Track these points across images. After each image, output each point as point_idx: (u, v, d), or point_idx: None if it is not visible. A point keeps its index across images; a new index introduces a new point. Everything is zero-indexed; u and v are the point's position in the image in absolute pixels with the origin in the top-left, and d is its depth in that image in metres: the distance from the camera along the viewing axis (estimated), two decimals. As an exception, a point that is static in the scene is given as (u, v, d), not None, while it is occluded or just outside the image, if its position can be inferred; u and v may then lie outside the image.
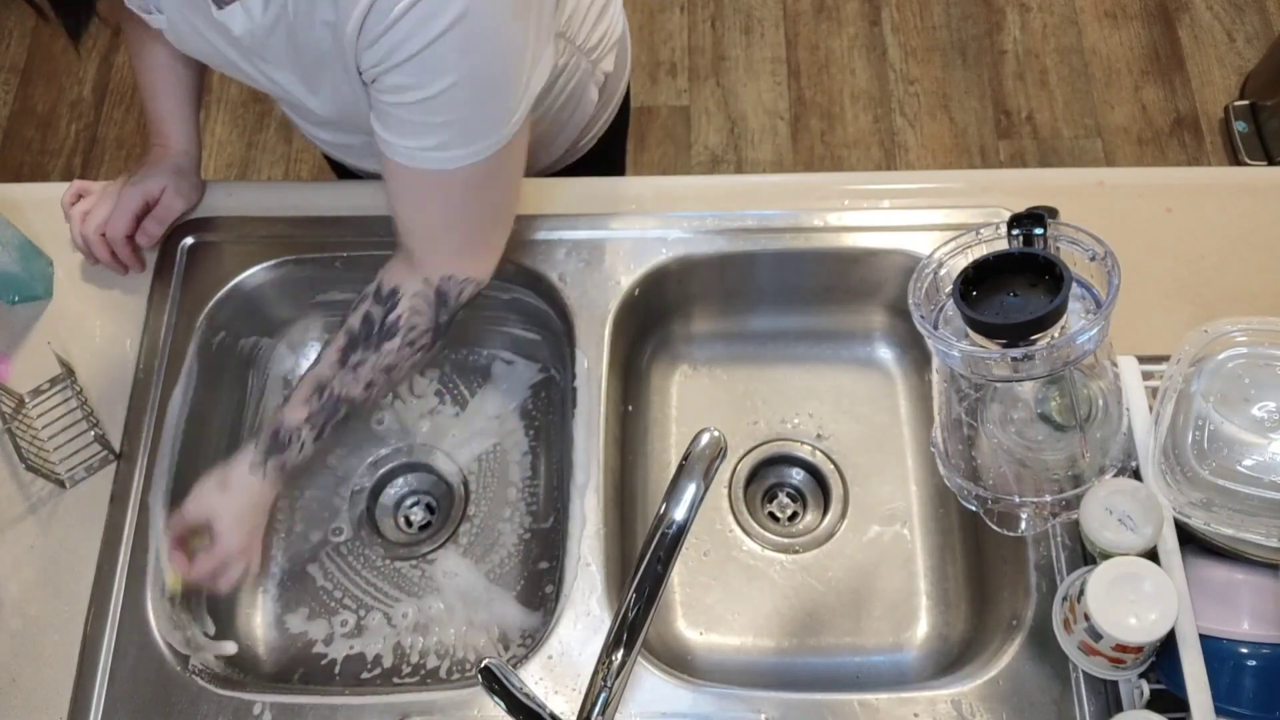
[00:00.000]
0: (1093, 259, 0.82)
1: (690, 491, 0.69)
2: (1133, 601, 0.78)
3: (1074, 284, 0.78)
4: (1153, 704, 0.81)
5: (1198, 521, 0.80)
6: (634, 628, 0.69)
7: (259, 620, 1.06)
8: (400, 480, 1.15)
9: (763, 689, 0.90)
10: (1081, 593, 0.80)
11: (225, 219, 1.11)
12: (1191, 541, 0.83)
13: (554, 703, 0.88)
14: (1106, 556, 0.81)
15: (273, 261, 1.09)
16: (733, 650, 1.06)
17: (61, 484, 0.98)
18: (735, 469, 1.13)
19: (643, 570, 0.68)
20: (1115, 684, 0.86)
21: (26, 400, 1.01)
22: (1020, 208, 0.86)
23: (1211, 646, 0.79)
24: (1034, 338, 0.79)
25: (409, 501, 1.14)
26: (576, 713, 0.72)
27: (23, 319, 1.07)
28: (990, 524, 0.91)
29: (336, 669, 1.04)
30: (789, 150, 2.22)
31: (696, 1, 2.38)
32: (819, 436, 1.15)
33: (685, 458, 0.70)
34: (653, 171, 2.20)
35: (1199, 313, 1.02)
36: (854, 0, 2.38)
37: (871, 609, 1.06)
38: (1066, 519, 0.89)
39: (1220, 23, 2.32)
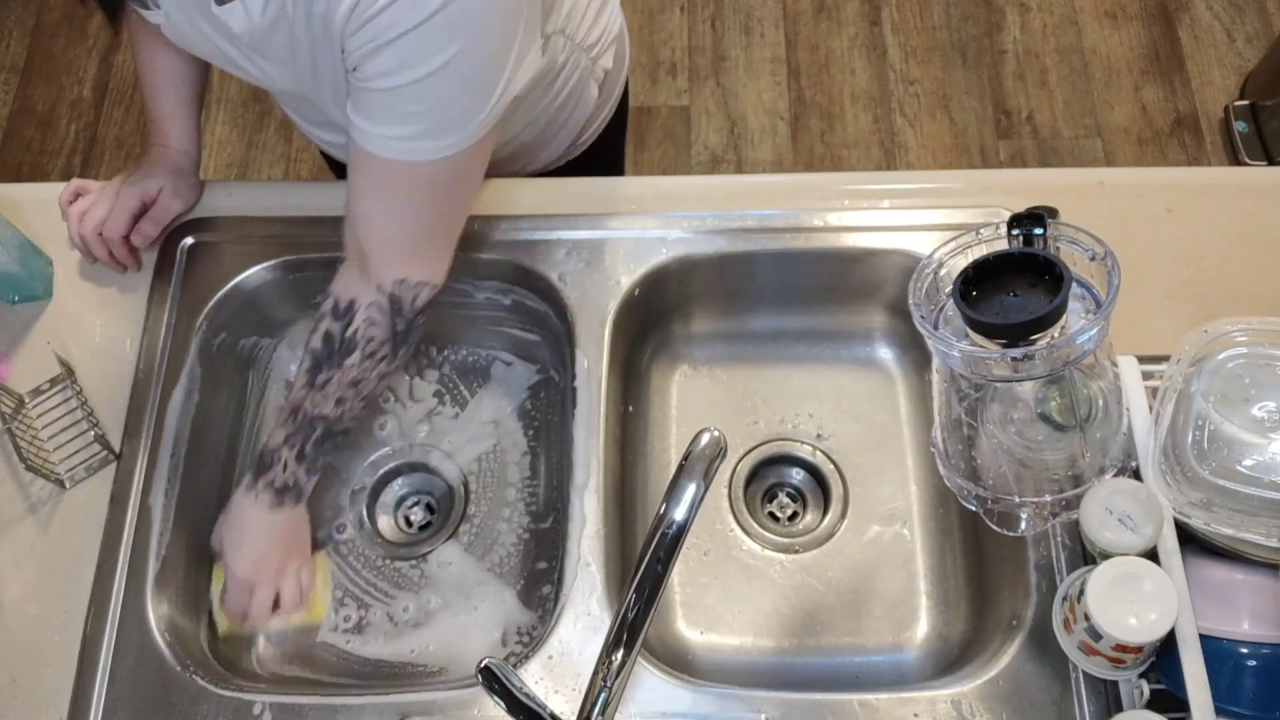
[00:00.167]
0: (1093, 259, 0.82)
1: (690, 491, 0.69)
2: (1133, 601, 0.78)
3: (1074, 284, 0.78)
4: (1153, 704, 0.81)
5: (1198, 521, 0.80)
6: (634, 628, 0.69)
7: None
8: (400, 480, 1.15)
9: (763, 689, 0.90)
10: (1081, 593, 0.80)
11: (225, 219, 1.11)
12: (1191, 541, 0.83)
13: (554, 703, 0.88)
14: (1106, 556, 0.81)
15: (273, 261, 1.09)
16: (733, 650, 1.06)
17: (61, 484, 0.98)
18: (735, 469, 1.13)
19: (643, 570, 0.68)
20: (1115, 684, 0.86)
21: (26, 400, 1.01)
22: (1020, 208, 0.86)
23: (1211, 646, 0.79)
24: (1034, 338, 0.79)
25: (409, 501, 1.14)
26: (576, 713, 0.72)
27: (23, 319, 1.07)
28: (990, 524, 0.91)
29: (337, 669, 1.04)
30: (789, 150, 2.22)
31: (696, 1, 2.38)
32: (819, 436, 1.15)
33: (685, 458, 0.70)
34: (653, 171, 2.20)
35: (1199, 313, 1.02)
36: (854, 0, 2.38)
37: (871, 609, 1.06)
38: (1066, 519, 0.89)
39: (1220, 23, 2.32)
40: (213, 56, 0.92)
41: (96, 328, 1.06)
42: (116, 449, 0.99)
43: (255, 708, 0.89)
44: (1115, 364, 0.89)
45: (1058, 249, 0.83)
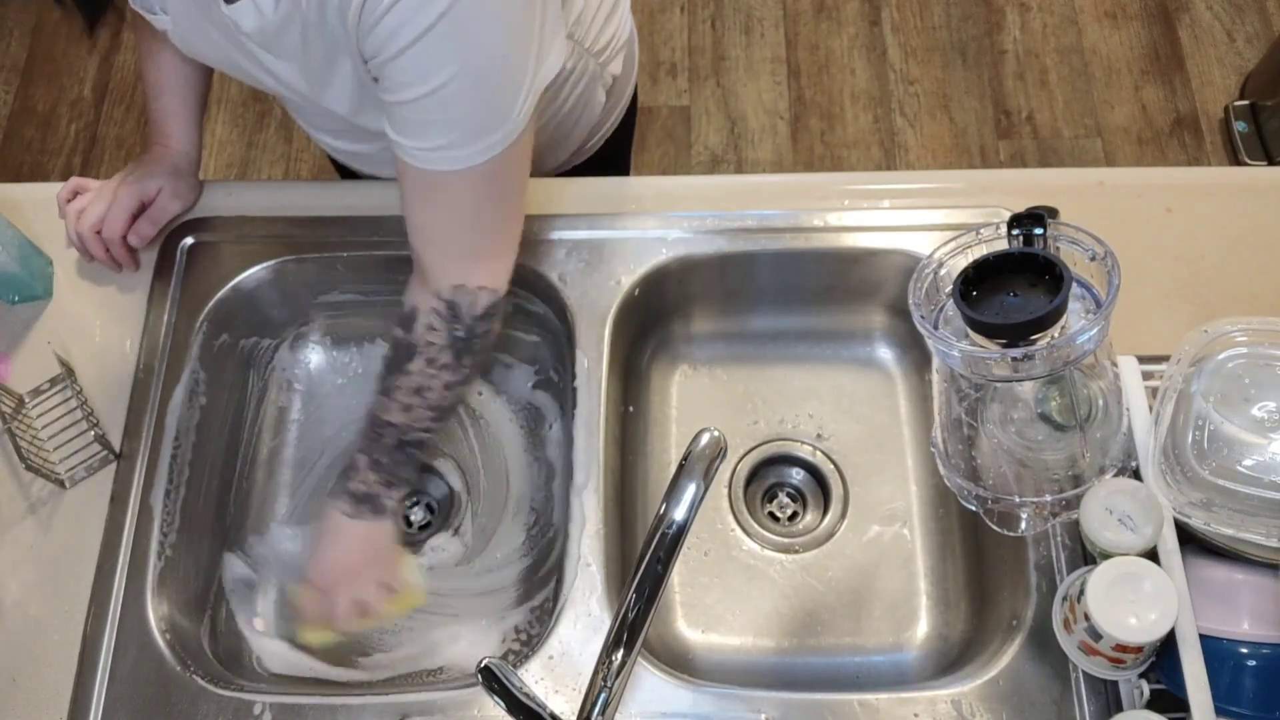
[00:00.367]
0: (1093, 259, 0.82)
1: (690, 491, 0.69)
2: (1133, 601, 0.78)
3: (1074, 284, 0.78)
4: (1153, 704, 0.81)
5: (1198, 521, 0.80)
6: (634, 628, 0.69)
7: (260, 621, 1.06)
8: (400, 480, 1.15)
9: (763, 689, 0.90)
10: (1081, 593, 0.80)
11: (225, 219, 1.11)
12: (1191, 541, 0.83)
13: (554, 703, 0.88)
14: (1106, 556, 0.81)
15: (273, 261, 1.09)
16: (733, 650, 1.06)
17: (61, 484, 0.98)
18: (735, 469, 1.13)
19: (643, 570, 0.68)
20: (1115, 684, 0.86)
21: (26, 400, 1.01)
22: (1020, 208, 0.86)
23: (1211, 646, 0.79)
24: (1034, 338, 0.79)
25: (409, 501, 1.14)
26: (576, 713, 0.72)
27: (23, 319, 1.07)
28: (990, 524, 0.91)
29: (336, 667, 1.04)
30: (789, 150, 2.22)
31: (696, 1, 2.38)
32: (819, 436, 1.15)
33: (685, 458, 0.70)
34: (653, 171, 2.20)
35: (1199, 313, 1.02)
36: (854, 0, 2.38)
37: (871, 609, 1.06)
38: (1066, 519, 0.89)
39: (1220, 23, 2.32)
40: (220, 63, 0.92)
41: (96, 328, 1.06)
42: (116, 449, 0.99)
43: (255, 708, 0.89)
44: (1115, 364, 0.89)
45: (1058, 249, 0.83)
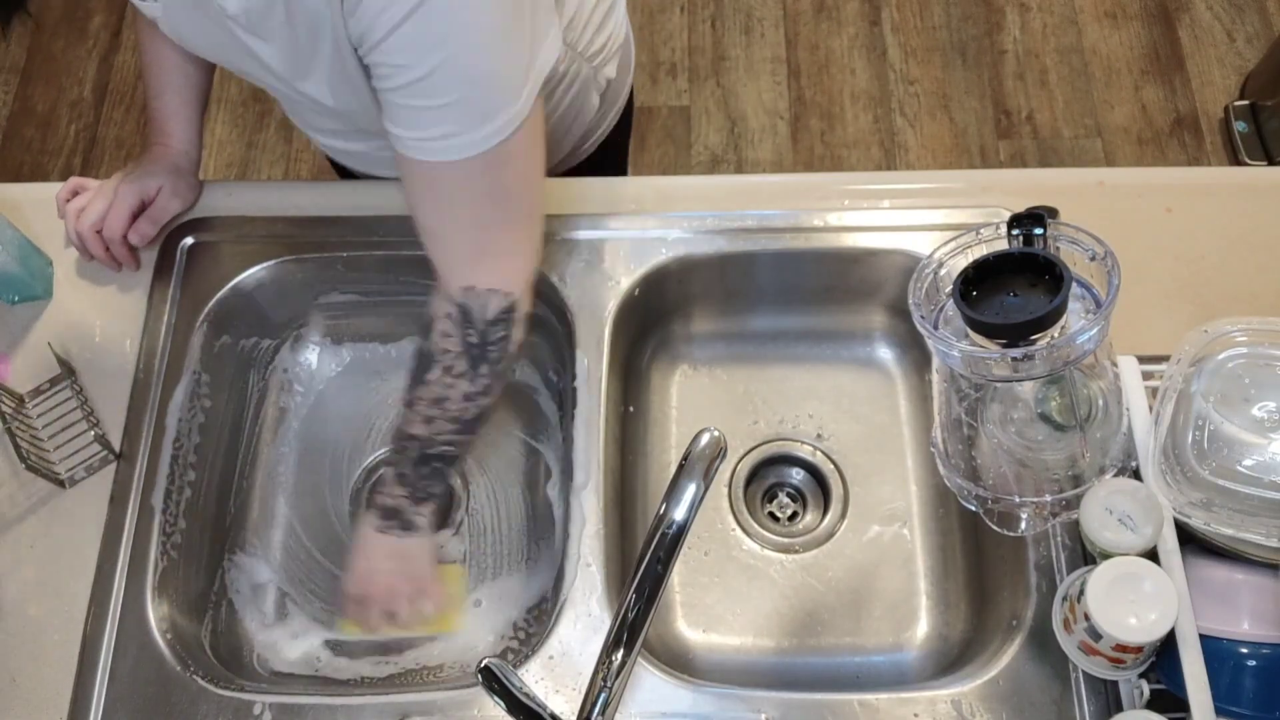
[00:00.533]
0: (1093, 259, 0.82)
1: (690, 491, 0.69)
2: (1133, 601, 0.78)
3: (1074, 284, 0.78)
4: (1153, 704, 0.81)
5: (1198, 521, 0.80)
6: (634, 628, 0.69)
7: (260, 621, 1.06)
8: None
9: (763, 689, 0.90)
10: (1081, 593, 0.80)
11: (225, 219, 1.11)
12: (1191, 541, 0.83)
13: (554, 703, 0.88)
14: (1106, 556, 0.81)
15: (273, 261, 1.09)
16: (733, 650, 1.06)
17: (61, 484, 0.98)
18: (735, 469, 1.13)
19: (643, 570, 0.68)
20: (1115, 684, 0.86)
21: (26, 400, 1.01)
22: (1020, 208, 0.86)
23: (1211, 646, 0.79)
24: (1034, 338, 0.79)
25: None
26: (576, 713, 0.72)
27: (23, 319, 1.07)
28: (990, 524, 0.91)
29: (336, 668, 1.04)
30: (789, 150, 2.22)
31: (696, 1, 2.38)
32: (819, 436, 1.15)
33: (685, 458, 0.70)
34: (653, 171, 2.20)
35: (1199, 313, 1.02)
36: (854, 0, 2.38)
37: (871, 609, 1.06)
38: (1066, 519, 0.89)
39: (1220, 23, 2.32)
40: (209, 51, 0.91)
41: (96, 328, 1.06)
42: (117, 449, 0.99)
43: (255, 708, 0.89)
44: (1115, 364, 0.89)
45: (1058, 249, 0.83)
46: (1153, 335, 0.98)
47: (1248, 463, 0.78)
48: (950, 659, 1.02)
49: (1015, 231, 0.84)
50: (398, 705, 0.89)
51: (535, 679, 0.90)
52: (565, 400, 1.05)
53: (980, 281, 0.81)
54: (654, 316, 1.15)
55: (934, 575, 1.07)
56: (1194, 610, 0.80)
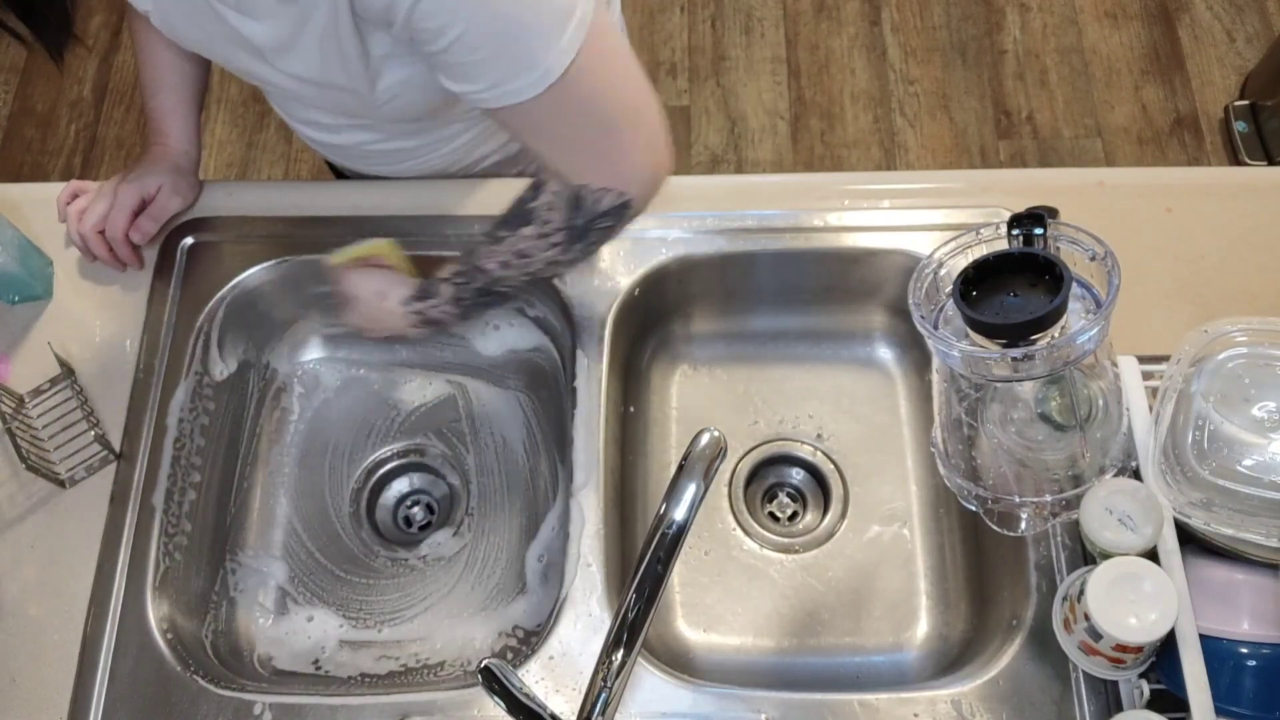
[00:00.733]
0: (1093, 259, 0.82)
1: (690, 491, 0.69)
2: (1133, 601, 0.78)
3: (1074, 284, 0.78)
4: (1153, 704, 0.81)
5: (1198, 521, 0.80)
6: (634, 628, 0.69)
7: (260, 621, 1.06)
8: (400, 480, 1.15)
9: (763, 689, 0.90)
10: (1081, 593, 0.80)
11: (225, 219, 1.11)
12: (1191, 541, 0.83)
13: (554, 703, 0.88)
14: (1106, 556, 0.81)
15: (273, 261, 1.09)
16: (733, 650, 1.06)
17: (61, 484, 0.98)
18: (735, 469, 1.13)
19: (643, 570, 0.68)
20: (1115, 684, 0.86)
21: (26, 400, 1.01)
22: (1020, 208, 0.86)
23: (1211, 646, 0.79)
24: (1034, 338, 0.79)
25: (409, 501, 1.14)
26: (576, 713, 0.72)
27: (23, 319, 1.07)
28: (990, 524, 0.91)
29: (337, 668, 1.04)
30: (789, 150, 2.22)
31: (696, 1, 2.38)
32: (819, 436, 1.15)
33: (685, 458, 0.70)
34: (653, 171, 2.19)
35: (1199, 313, 1.02)
36: (854, 0, 2.38)
37: (871, 609, 1.06)
38: (1066, 519, 0.89)
39: (1220, 23, 2.32)
40: (199, 43, 0.91)
41: (96, 328, 1.06)
42: (117, 449, 0.99)
43: (255, 708, 0.89)
44: (1115, 364, 0.89)
45: (1058, 249, 0.83)
46: (1153, 335, 0.98)
47: (1248, 463, 0.78)
48: (950, 659, 1.02)
49: (1015, 231, 0.84)
50: (398, 705, 0.89)
51: (535, 679, 0.90)
52: (565, 400, 1.05)
53: (980, 281, 0.81)
54: (654, 316, 1.15)
55: (934, 575, 1.08)
56: (1194, 610, 0.80)
